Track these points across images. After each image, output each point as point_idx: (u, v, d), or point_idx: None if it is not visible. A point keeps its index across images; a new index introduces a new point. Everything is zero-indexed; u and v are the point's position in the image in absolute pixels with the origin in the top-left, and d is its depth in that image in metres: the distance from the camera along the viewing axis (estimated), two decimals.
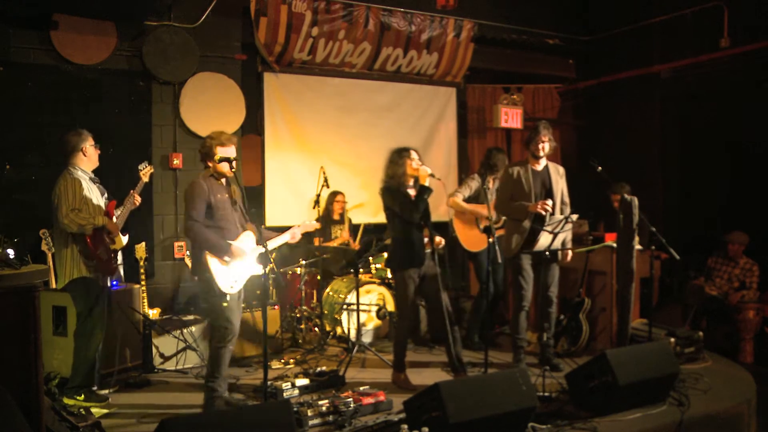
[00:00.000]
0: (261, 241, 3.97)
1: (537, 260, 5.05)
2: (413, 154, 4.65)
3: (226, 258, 4.02)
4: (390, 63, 7.30)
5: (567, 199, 5.16)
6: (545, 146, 5.02)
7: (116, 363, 4.97)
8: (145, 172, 4.77)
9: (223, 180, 4.18)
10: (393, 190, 4.62)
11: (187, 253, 5.98)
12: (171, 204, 6.11)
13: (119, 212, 4.52)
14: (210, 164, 4.14)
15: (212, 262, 3.99)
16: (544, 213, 4.87)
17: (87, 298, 4.31)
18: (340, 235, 6.79)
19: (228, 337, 4.07)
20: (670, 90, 7.64)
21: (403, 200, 4.57)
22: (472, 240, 5.78)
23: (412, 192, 4.65)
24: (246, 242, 4.14)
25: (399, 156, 4.66)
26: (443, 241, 4.73)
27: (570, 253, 5.15)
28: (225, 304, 4.03)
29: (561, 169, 5.19)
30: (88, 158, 4.41)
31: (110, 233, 4.37)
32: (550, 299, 5.10)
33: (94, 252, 4.25)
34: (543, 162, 5.09)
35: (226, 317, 4.04)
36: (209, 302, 4.05)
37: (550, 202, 4.88)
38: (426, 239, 4.65)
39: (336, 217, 6.81)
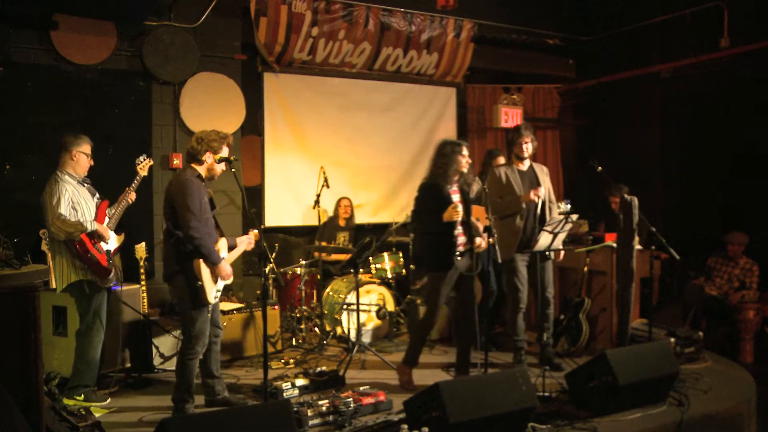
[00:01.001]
0: (260, 242, 3.94)
1: (531, 261, 5.06)
2: (465, 150, 4.51)
3: (215, 272, 3.96)
4: (390, 63, 7.30)
5: (554, 197, 5.18)
6: (528, 146, 5.04)
7: (116, 363, 4.98)
8: (143, 165, 4.67)
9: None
10: (429, 192, 4.50)
11: None
12: None
13: (113, 211, 4.51)
14: (206, 162, 3.99)
15: (204, 270, 3.89)
16: (537, 200, 4.88)
17: (87, 300, 4.31)
18: (341, 241, 6.76)
19: (200, 347, 4.00)
20: (670, 90, 7.64)
21: (431, 209, 4.44)
22: None
23: (454, 191, 4.52)
24: (223, 249, 4.12)
25: (452, 150, 4.48)
26: (483, 244, 4.58)
27: (562, 252, 5.14)
28: (209, 315, 4.00)
29: (545, 168, 5.23)
30: (75, 163, 4.35)
31: (101, 237, 4.35)
32: (548, 300, 5.11)
33: (84, 256, 4.24)
34: (527, 162, 5.12)
35: (201, 329, 3.97)
36: (188, 311, 3.94)
37: (542, 189, 4.90)
38: (464, 239, 4.54)
39: (341, 222, 6.80)
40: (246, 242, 4.26)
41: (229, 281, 4.15)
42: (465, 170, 4.54)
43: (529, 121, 8.12)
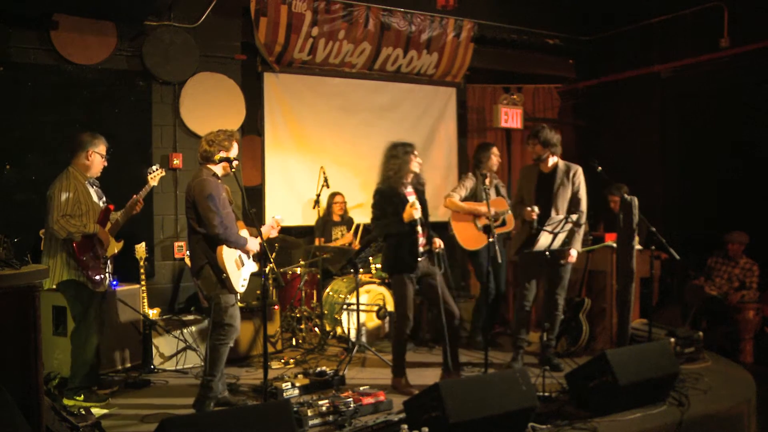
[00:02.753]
0: (261, 238, 4.04)
1: (543, 261, 5.01)
2: (415, 150, 4.58)
3: (244, 254, 4.17)
4: (390, 63, 7.30)
5: (581, 200, 5.02)
6: (536, 149, 5.04)
7: (116, 363, 4.98)
8: (155, 176, 4.67)
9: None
10: (386, 196, 4.53)
11: (187, 253, 5.98)
12: (171, 204, 6.11)
13: (118, 215, 4.50)
14: (220, 161, 4.11)
15: (228, 262, 4.05)
16: (529, 220, 4.89)
17: (80, 302, 4.30)
18: (342, 237, 6.78)
19: (233, 334, 4.16)
20: (670, 90, 7.64)
21: (390, 212, 4.47)
22: (470, 239, 5.78)
23: (409, 191, 4.57)
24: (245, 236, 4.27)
25: (404, 151, 4.54)
26: (442, 244, 4.65)
27: (573, 253, 5.04)
28: (238, 303, 4.20)
29: (573, 170, 5.05)
30: (89, 164, 4.35)
31: (101, 241, 4.34)
32: (556, 301, 5.07)
33: (79, 258, 4.23)
34: (551, 162, 5.05)
35: (233, 315, 4.13)
36: (219, 301, 4.07)
37: (536, 209, 4.86)
38: (423, 240, 4.58)
39: (336, 218, 6.81)
40: (269, 228, 4.40)
41: (255, 268, 4.31)
42: (417, 170, 4.59)
43: (529, 121, 8.14)
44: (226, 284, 4.07)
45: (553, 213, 4.94)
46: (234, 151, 4.20)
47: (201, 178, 4.08)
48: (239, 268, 4.17)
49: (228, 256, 4.07)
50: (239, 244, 4.13)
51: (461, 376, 4.64)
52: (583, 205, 5.04)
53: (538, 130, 5.09)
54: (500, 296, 5.94)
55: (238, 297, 4.21)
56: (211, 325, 4.16)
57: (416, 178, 4.63)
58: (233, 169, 4.10)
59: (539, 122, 8.37)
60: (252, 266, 4.32)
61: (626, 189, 6.04)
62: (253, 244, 4.21)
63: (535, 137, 5.04)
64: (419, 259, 4.54)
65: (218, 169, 4.17)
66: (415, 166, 4.56)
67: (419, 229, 4.52)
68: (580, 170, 5.08)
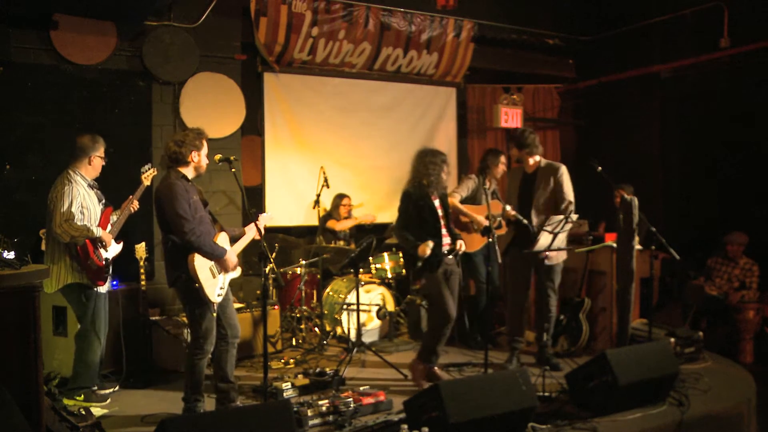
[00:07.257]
0: (260, 242, 3.87)
1: (536, 261, 5.04)
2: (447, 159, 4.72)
3: (219, 265, 3.91)
4: (390, 63, 7.30)
5: (568, 197, 5.02)
6: (512, 153, 5.24)
7: (116, 363, 4.98)
8: (147, 175, 4.63)
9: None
10: (413, 199, 4.61)
11: None
12: None
13: (116, 217, 4.50)
14: (193, 161, 3.92)
15: (201, 271, 3.81)
16: (507, 218, 5.11)
17: (84, 304, 4.30)
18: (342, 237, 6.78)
19: (207, 347, 3.93)
20: (670, 90, 7.64)
21: (414, 215, 4.57)
22: (467, 242, 5.79)
23: (435, 197, 4.65)
24: (224, 243, 4.03)
25: (441, 159, 4.65)
26: (463, 246, 4.73)
27: (556, 254, 5.02)
28: (214, 314, 3.91)
29: (555, 168, 5.08)
30: (92, 167, 4.36)
31: (103, 244, 4.34)
32: (551, 300, 5.09)
33: (84, 262, 4.23)
34: (532, 162, 5.12)
35: (208, 328, 3.90)
36: (193, 313, 3.88)
37: (509, 207, 5.10)
38: (449, 239, 4.68)
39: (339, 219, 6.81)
40: (254, 231, 4.12)
41: (236, 274, 4.08)
42: (445, 178, 4.71)
43: (529, 121, 8.14)
44: (199, 295, 3.82)
45: (532, 212, 4.99)
46: (205, 149, 3.97)
47: (168, 182, 3.83)
48: (215, 276, 3.90)
49: (201, 264, 3.81)
50: (214, 254, 3.86)
51: (431, 369, 4.67)
52: (569, 200, 5.01)
53: (515, 134, 5.22)
54: (496, 296, 5.95)
55: (214, 308, 3.92)
56: (190, 338, 4.00)
57: (441, 185, 4.74)
58: (233, 170, 3.94)
59: (539, 122, 8.44)
60: (233, 272, 4.08)
61: (631, 189, 6.05)
62: (232, 257, 3.97)
63: (510, 140, 5.23)
64: (448, 256, 4.65)
65: (189, 171, 3.94)
66: (445, 176, 4.68)
67: (444, 230, 4.64)
68: (562, 168, 5.11)
